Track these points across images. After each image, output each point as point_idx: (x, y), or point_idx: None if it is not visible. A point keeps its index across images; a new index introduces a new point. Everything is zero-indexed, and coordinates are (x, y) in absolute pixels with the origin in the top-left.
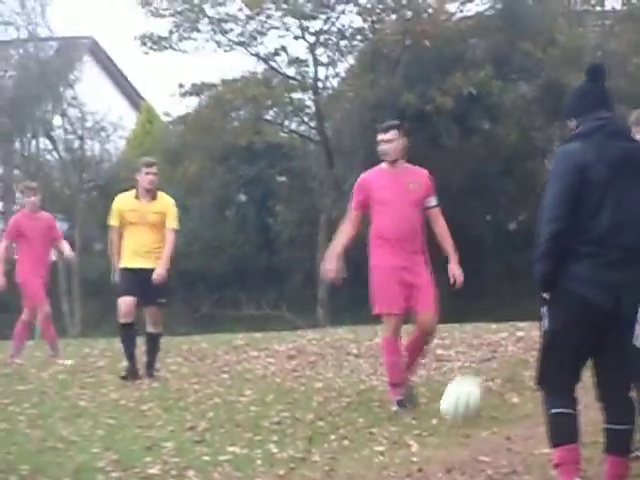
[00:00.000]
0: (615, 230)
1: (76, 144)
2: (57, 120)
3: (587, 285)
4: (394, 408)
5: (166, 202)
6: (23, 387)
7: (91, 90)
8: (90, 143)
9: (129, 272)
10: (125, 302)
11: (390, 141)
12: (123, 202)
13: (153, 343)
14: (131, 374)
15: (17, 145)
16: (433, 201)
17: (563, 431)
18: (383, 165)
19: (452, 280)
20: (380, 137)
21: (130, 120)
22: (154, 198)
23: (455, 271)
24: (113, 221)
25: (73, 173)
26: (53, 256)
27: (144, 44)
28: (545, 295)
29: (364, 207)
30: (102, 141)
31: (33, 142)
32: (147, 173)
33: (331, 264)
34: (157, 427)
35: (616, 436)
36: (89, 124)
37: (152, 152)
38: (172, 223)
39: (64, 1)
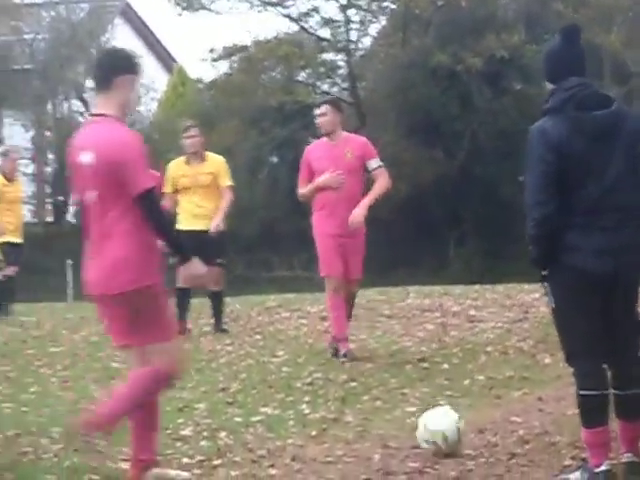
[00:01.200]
0: (606, 194)
1: None
2: (89, 82)
3: (585, 254)
4: (342, 359)
5: (216, 161)
6: (55, 349)
7: None
8: None
9: (186, 234)
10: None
11: (323, 115)
12: (174, 168)
13: (216, 300)
14: (182, 331)
15: (49, 107)
16: (374, 164)
17: (592, 414)
18: (324, 138)
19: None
20: (315, 112)
21: (162, 82)
22: (203, 160)
23: (355, 211)
24: (166, 188)
25: None
26: None
27: (177, 4)
28: (544, 272)
29: (309, 177)
30: None
31: (65, 104)
32: (186, 137)
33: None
34: (189, 388)
35: (627, 401)
36: None
37: (184, 115)
38: (225, 181)
39: None
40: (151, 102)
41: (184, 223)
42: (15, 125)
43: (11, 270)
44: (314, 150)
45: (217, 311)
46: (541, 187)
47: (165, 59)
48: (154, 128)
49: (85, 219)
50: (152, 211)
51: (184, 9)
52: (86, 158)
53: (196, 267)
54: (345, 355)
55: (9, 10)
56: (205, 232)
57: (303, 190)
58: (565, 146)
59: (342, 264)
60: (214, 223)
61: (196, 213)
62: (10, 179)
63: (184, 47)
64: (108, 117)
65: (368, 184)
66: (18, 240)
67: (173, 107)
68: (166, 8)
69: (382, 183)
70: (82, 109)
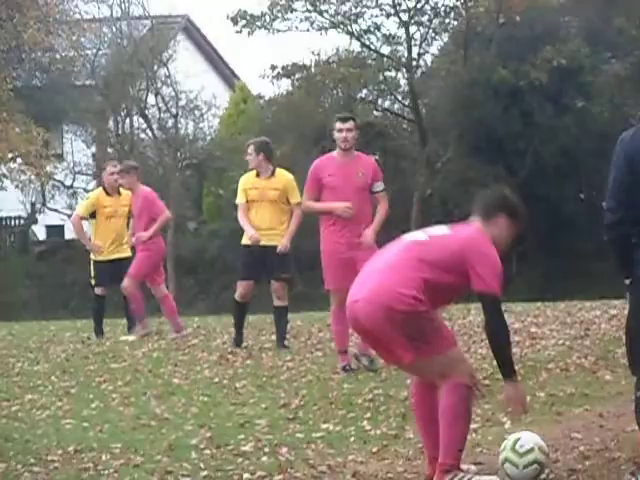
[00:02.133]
0: None
1: (170, 123)
2: (151, 99)
3: None
4: (341, 373)
5: (284, 178)
6: (116, 365)
7: (185, 69)
8: (184, 122)
9: (249, 250)
10: (243, 286)
11: (350, 130)
12: (246, 180)
13: (280, 316)
14: (237, 343)
15: (111, 124)
16: (379, 186)
17: None
18: (334, 153)
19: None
20: (339, 126)
21: (223, 99)
22: (273, 175)
23: (367, 232)
24: (239, 199)
25: (167, 152)
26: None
27: (236, 23)
28: (626, 281)
29: (318, 192)
30: (196, 120)
31: (127, 121)
32: (245, 156)
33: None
34: (250, 404)
35: None
36: (182, 103)
37: (246, 131)
38: (294, 198)
39: None
40: (213, 119)
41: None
42: (76, 141)
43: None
44: (326, 166)
45: (280, 327)
46: (613, 194)
47: (227, 76)
48: (216, 145)
49: None
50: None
51: (243, 27)
52: None
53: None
54: (344, 368)
55: (70, 25)
56: (270, 247)
57: (310, 205)
58: (635, 160)
59: (350, 278)
60: (283, 242)
61: (262, 227)
62: (110, 193)
63: (246, 64)
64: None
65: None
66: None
67: (235, 124)
68: (228, 25)
69: (385, 207)
70: (144, 125)
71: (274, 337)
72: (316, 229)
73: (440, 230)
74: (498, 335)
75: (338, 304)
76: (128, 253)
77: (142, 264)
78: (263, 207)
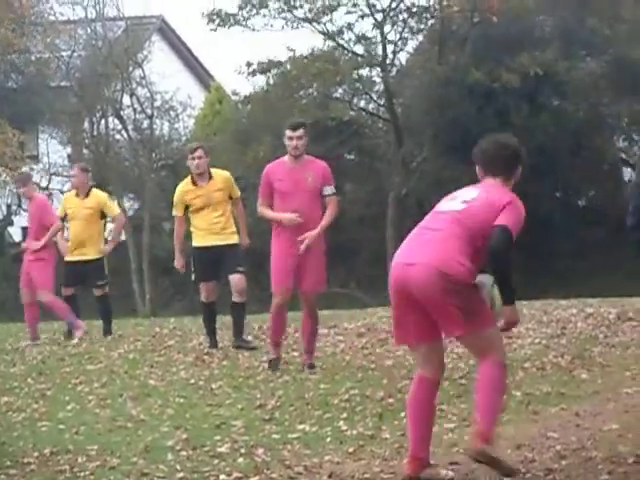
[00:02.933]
0: None
1: (145, 124)
2: (126, 100)
3: None
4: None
5: (223, 177)
6: (92, 367)
7: (160, 69)
8: (159, 123)
9: (204, 250)
10: (205, 288)
11: (300, 137)
12: (184, 192)
13: (238, 312)
14: (212, 346)
15: (86, 125)
16: (328, 190)
17: None
18: (285, 158)
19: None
20: (290, 134)
21: (199, 99)
22: (210, 178)
23: (310, 233)
24: (177, 211)
25: (142, 153)
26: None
27: (212, 21)
28: None
29: (270, 196)
30: (171, 120)
31: (102, 122)
32: (192, 158)
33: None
34: (226, 405)
35: None
36: (158, 103)
37: (221, 132)
38: (236, 193)
39: None
40: (188, 119)
41: (201, 240)
42: (52, 142)
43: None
44: (276, 171)
45: (238, 323)
46: (633, 197)
47: (202, 76)
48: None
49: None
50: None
51: (219, 25)
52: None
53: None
54: (270, 362)
55: (45, 27)
56: (222, 246)
57: (264, 212)
58: None
59: (294, 281)
60: (244, 241)
61: (212, 230)
62: (78, 195)
63: (221, 63)
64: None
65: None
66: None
67: (210, 125)
68: (202, 24)
69: (333, 210)
70: (119, 126)
71: (250, 338)
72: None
73: (471, 194)
74: (501, 255)
75: (279, 305)
76: (93, 255)
77: (43, 273)
78: (209, 210)
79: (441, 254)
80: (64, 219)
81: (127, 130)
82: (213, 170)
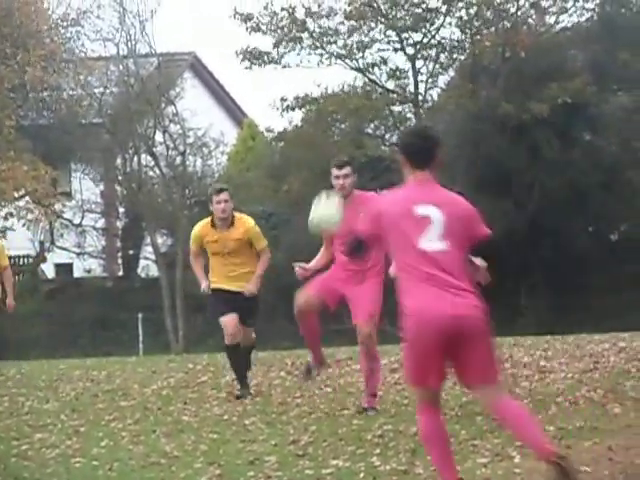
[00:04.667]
0: None
1: (178, 160)
2: (158, 136)
3: None
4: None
5: (245, 226)
6: (126, 403)
7: (192, 106)
8: (192, 159)
9: (221, 293)
10: (228, 322)
11: (347, 176)
12: (202, 231)
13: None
14: (242, 395)
15: (119, 161)
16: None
17: None
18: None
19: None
20: (336, 172)
21: (232, 136)
22: (232, 224)
23: (249, 287)
24: (193, 247)
25: (175, 189)
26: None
27: (246, 59)
28: None
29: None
30: (204, 157)
31: (135, 158)
32: (217, 202)
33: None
34: (260, 441)
35: None
36: (190, 140)
37: (255, 168)
38: (260, 244)
39: (164, 17)
40: (221, 156)
41: (215, 283)
42: (84, 179)
43: None
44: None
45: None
46: None
47: (234, 113)
48: (224, 181)
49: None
50: None
51: (252, 64)
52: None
53: None
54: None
55: (77, 64)
56: (239, 293)
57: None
58: None
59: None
60: (249, 289)
61: (229, 276)
62: None
63: (254, 100)
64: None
65: None
66: None
67: (243, 161)
68: (235, 61)
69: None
70: (151, 163)
71: (283, 374)
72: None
73: (434, 214)
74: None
75: (301, 312)
76: None
77: None
78: (227, 256)
79: (474, 300)
80: None
81: (160, 167)
82: (237, 216)
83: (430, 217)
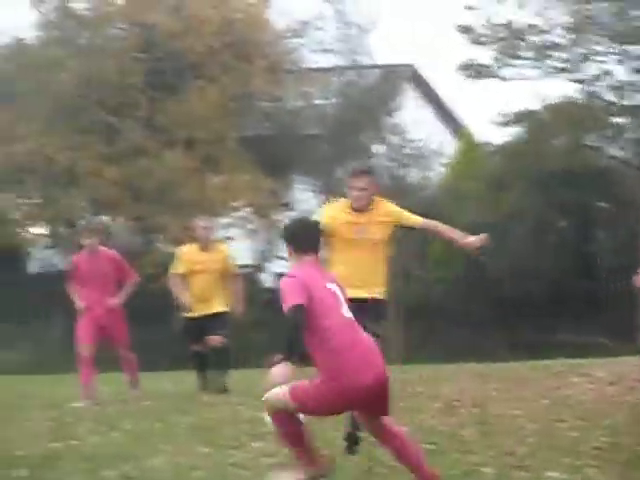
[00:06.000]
0: None
1: (397, 171)
2: (379, 148)
3: None
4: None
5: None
6: None
7: (411, 117)
8: (411, 171)
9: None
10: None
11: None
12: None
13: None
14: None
15: (339, 173)
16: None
17: None
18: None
19: None
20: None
21: (450, 147)
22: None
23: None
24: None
25: (393, 200)
26: None
27: (466, 72)
28: None
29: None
30: (423, 168)
31: None
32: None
33: None
34: (477, 452)
35: None
36: (408, 151)
37: (473, 179)
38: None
39: (385, 29)
40: (439, 167)
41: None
42: (306, 190)
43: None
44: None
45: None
46: None
47: (453, 124)
48: (443, 192)
49: None
50: None
51: (472, 77)
52: None
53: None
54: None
55: (299, 76)
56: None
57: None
58: None
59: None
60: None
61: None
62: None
63: (470, 111)
64: None
65: None
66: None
67: (462, 172)
68: (453, 73)
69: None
70: None
71: (499, 385)
72: (541, 275)
73: (338, 291)
74: None
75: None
76: (218, 309)
77: None
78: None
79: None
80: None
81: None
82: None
83: (336, 296)
